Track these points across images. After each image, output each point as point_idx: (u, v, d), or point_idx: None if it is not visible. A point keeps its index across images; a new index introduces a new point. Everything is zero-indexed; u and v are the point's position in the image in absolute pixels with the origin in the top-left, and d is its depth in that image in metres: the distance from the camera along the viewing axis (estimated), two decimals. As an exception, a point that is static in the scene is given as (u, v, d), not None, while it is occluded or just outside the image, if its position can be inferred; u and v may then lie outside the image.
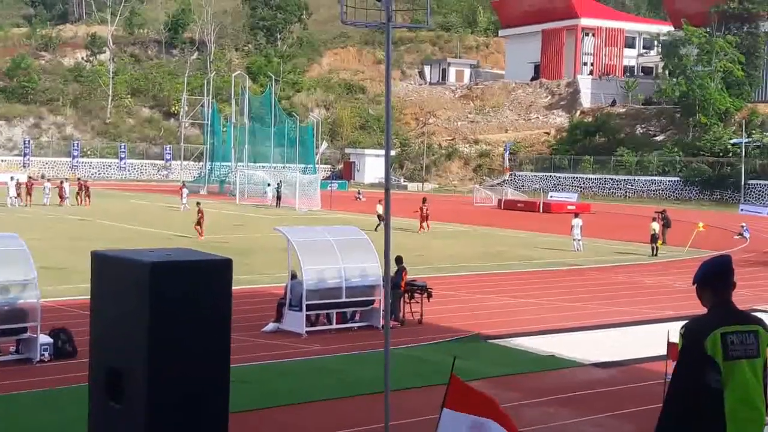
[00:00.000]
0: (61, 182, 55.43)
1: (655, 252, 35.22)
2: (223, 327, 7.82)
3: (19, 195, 52.25)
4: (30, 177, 59.95)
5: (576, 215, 36.74)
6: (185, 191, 53.65)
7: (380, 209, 43.77)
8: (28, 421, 12.27)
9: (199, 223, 37.22)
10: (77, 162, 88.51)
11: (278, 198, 58.23)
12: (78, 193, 54.65)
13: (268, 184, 62.30)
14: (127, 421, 7.54)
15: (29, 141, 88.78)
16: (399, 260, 19.92)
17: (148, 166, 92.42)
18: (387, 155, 9.81)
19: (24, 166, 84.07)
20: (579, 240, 35.35)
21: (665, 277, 29.41)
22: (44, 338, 15.67)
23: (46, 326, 16.05)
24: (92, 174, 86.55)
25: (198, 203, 39.30)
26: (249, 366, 15.45)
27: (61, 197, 52.49)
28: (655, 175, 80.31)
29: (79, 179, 61.67)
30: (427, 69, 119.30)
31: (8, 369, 15.04)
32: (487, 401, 8.16)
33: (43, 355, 15.51)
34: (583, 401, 13.99)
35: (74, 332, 15.91)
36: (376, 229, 40.76)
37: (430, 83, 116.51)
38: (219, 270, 7.90)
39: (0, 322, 15.20)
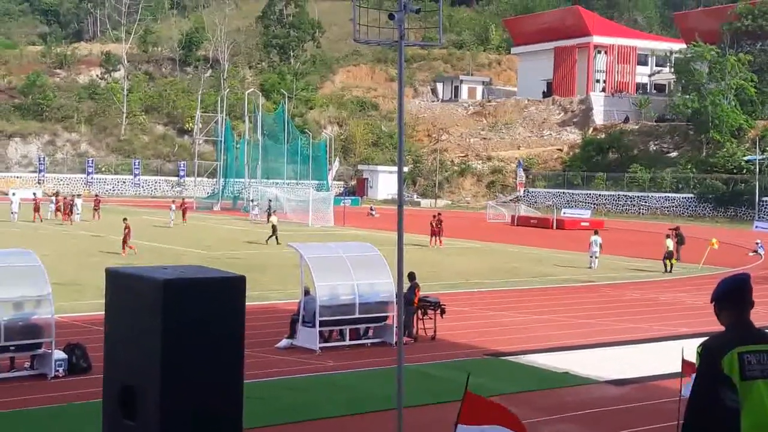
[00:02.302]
0: (72, 198, 55.80)
1: (669, 269, 35.05)
2: (237, 344, 7.82)
3: (59, 210, 53.27)
4: (34, 194, 60.24)
5: (595, 232, 36.54)
6: (173, 206, 53.91)
7: (275, 220, 44.11)
8: (43, 436, 12.29)
9: (125, 239, 35.74)
10: (92, 178, 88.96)
11: (269, 215, 58.41)
12: (95, 209, 55.14)
13: (251, 200, 63.03)
14: (140, 438, 7.54)
15: (44, 158, 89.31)
16: (412, 276, 19.91)
17: (162, 182, 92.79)
18: (400, 171, 9.83)
19: (39, 183, 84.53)
20: (597, 258, 35.15)
21: (679, 293, 29.27)
22: (59, 354, 15.71)
23: (61, 342, 16.09)
24: (107, 190, 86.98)
25: (125, 219, 38.44)
26: (262, 382, 15.44)
27: (68, 213, 52.60)
28: (669, 191, 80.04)
29: (96, 195, 62.10)
30: (439, 86, 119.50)
31: (23, 384, 15.08)
32: (503, 412, 8.12)
33: (58, 370, 15.54)
34: (597, 419, 13.91)
35: (89, 348, 15.95)
36: (267, 241, 41.31)
37: (443, 100, 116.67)
38: (232, 287, 7.90)
39: (14, 337, 15.26)
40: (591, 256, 35.34)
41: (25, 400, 14.03)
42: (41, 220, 51.91)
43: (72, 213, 52.51)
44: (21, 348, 15.45)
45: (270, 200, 61.40)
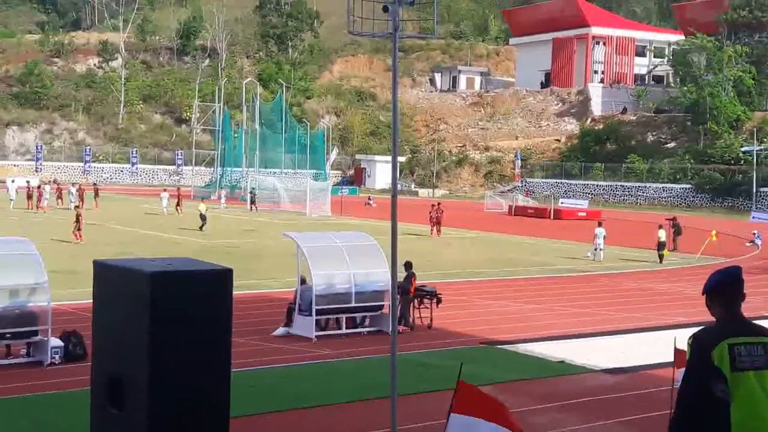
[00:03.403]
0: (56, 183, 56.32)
1: (661, 260, 35.08)
2: (224, 336, 7.85)
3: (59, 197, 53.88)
4: (27, 182, 60.47)
5: (599, 224, 36.44)
6: (165, 194, 53.94)
7: (203, 208, 44.03)
8: (39, 423, 12.32)
9: (78, 226, 35.43)
10: (89, 167, 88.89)
11: (252, 202, 59.29)
12: (95, 197, 55.33)
13: (222, 188, 63.81)
14: (128, 428, 7.56)
15: (41, 146, 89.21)
16: (408, 266, 19.93)
17: (160, 171, 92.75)
18: (394, 161, 9.83)
19: (36, 171, 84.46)
20: (602, 249, 35.06)
21: (676, 284, 29.31)
22: (55, 341, 15.73)
23: (57, 329, 16.10)
24: (104, 179, 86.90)
25: (76, 206, 38.08)
26: (258, 370, 15.49)
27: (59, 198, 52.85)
28: (666, 182, 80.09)
29: (95, 184, 62.23)
30: (437, 76, 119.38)
31: (19, 371, 15.10)
32: (495, 405, 8.15)
33: (54, 357, 15.56)
34: (592, 407, 13.95)
35: (85, 336, 15.93)
36: (200, 229, 41.59)
37: (441, 90, 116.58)
38: (219, 280, 7.93)
39: (11, 325, 15.29)
40: (596, 249, 35.10)
41: (22, 387, 14.05)
42: (36, 209, 51.92)
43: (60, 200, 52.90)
44: (17, 335, 15.48)
45: (253, 188, 61.88)
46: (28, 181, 60.41)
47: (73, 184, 58.09)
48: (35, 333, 15.63)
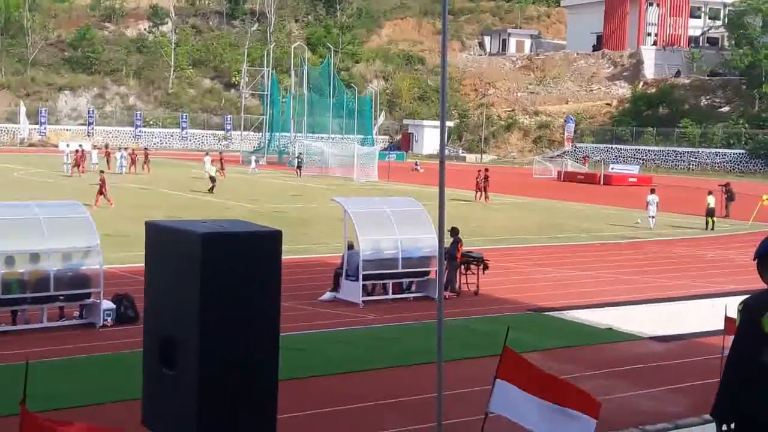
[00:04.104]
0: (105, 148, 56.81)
1: (711, 226, 34.58)
2: (273, 299, 7.92)
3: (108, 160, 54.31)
4: (80, 145, 61.26)
5: (652, 191, 35.99)
6: (207, 158, 54.09)
7: (212, 171, 43.99)
8: (92, 384, 12.61)
9: (100, 191, 35.30)
10: (140, 132, 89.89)
11: (299, 168, 59.29)
12: (145, 162, 55.95)
13: (251, 153, 63.97)
14: (179, 387, 7.70)
15: (93, 110, 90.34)
16: (455, 231, 19.92)
17: (209, 136, 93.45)
18: (442, 125, 9.79)
19: (88, 135, 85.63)
20: (654, 217, 34.61)
21: (727, 251, 28.94)
22: (107, 304, 16.05)
23: (109, 292, 16.41)
24: (154, 144, 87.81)
25: (101, 171, 38.14)
26: (305, 334, 15.65)
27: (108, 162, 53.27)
28: (720, 147, 78.71)
29: (146, 148, 62.99)
30: (486, 39, 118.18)
31: (72, 333, 15.45)
32: (539, 375, 8.15)
33: (106, 320, 15.88)
34: (640, 375, 13.90)
35: (136, 298, 16.22)
36: (210, 191, 41.92)
37: (490, 54, 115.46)
38: (269, 242, 7.98)
39: (64, 287, 15.61)
40: (650, 216, 34.58)
41: (74, 349, 14.38)
42: (81, 171, 52.29)
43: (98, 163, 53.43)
44: (70, 298, 15.80)
45: (300, 153, 61.95)
46: (80, 145, 61.35)
47: (124, 149, 58.82)
48: (88, 296, 15.95)
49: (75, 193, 36.03)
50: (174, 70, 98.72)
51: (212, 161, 52.61)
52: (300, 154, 62.85)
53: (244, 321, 7.72)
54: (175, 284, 7.81)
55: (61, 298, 15.71)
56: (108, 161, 55.85)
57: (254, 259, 7.77)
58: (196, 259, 7.49)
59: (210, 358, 7.52)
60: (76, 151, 55.11)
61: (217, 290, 7.56)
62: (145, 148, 63.47)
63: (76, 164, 52.24)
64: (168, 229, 8.19)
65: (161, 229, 8.26)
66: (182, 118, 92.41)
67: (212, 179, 43.59)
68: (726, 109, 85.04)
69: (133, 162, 55.35)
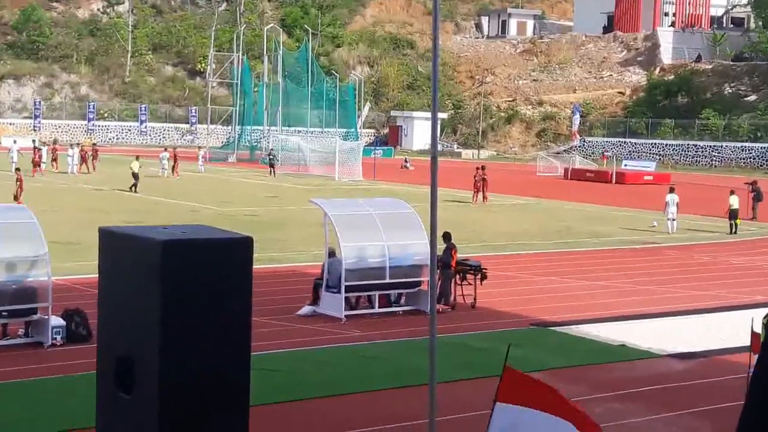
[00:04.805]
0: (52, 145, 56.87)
1: (734, 230, 34.73)
2: (243, 313, 7.92)
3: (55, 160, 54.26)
4: (33, 141, 61.23)
5: (671, 190, 36.09)
6: (165, 155, 54.81)
7: (135, 167, 44.49)
8: (38, 409, 12.56)
9: (16, 194, 35.74)
10: (93, 125, 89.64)
11: (272, 166, 59.00)
12: (93, 159, 55.77)
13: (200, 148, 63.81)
14: (137, 414, 7.68)
15: (40, 102, 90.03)
16: (447, 237, 19.95)
17: (172, 129, 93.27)
18: (434, 117, 9.82)
19: (34, 130, 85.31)
20: (674, 219, 34.69)
21: (754, 257, 29.09)
22: (56, 320, 15.99)
23: (59, 307, 16.35)
24: (110, 139, 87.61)
25: (17, 170, 38.11)
26: (281, 353, 15.65)
27: (36, 164, 53.09)
28: (746, 141, 79.09)
29: (94, 144, 62.85)
30: (484, 21, 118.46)
31: (17, 353, 15.38)
32: (545, 390, 8.17)
33: (55, 338, 15.82)
34: (657, 397, 13.95)
35: (89, 314, 16.17)
36: (131, 189, 42.84)
37: (488, 37, 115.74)
38: (238, 249, 7.98)
39: (8, 302, 15.54)
40: (669, 219, 34.61)
41: (19, 371, 14.32)
42: (42, 174, 52.51)
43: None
44: (14, 313, 15.74)
45: (272, 149, 61.86)
46: (34, 141, 61.26)
47: (74, 146, 58.63)
48: (34, 311, 15.88)
49: (26, 195, 35.93)
50: (131, 56, 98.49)
51: (169, 158, 52.73)
52: (272, 150, 62.67)
53: (210, 339, 7.72)
54: (133, 298, 7.80)
55: (4, 314, 15.65)
56: (55, 159, 55.58)
57: (221, 270, 7.78)
58: (156, 270, 7.49)
59: (171, 381, 7.51)
60: (34, 149, 55.12)
61: (179, 304, 7.55)
62: (94, 144, 63.31)
63: (36, 164, 52.32)
64: (125, 235, 8.19)
65: (117, 235, 8.25)
66: (141, 110, 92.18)
67: (135, 176, 43.97)
68: (753, 97, 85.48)
69: (84, 160, 55.23)
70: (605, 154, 72.93)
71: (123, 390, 7.79)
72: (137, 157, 46.71)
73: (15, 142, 58.63)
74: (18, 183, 36.39)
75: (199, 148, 63.55)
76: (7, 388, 13.55)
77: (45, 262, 16.00)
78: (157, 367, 7.47)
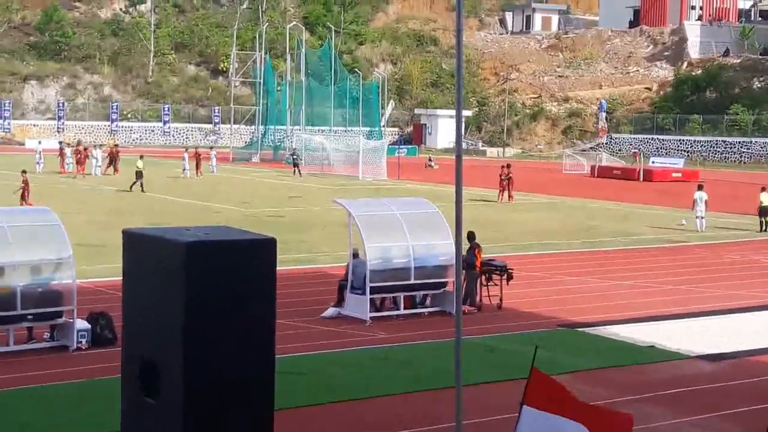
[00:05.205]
0: (84, 147, 57.00)
1: (764, 227, 34.50)
2: (267, 315, 7.94)
3: (79, 162, 54.28)
4: (60, 143, 61.58)
5: (699, 187, 35.85)
6: (186, 155, 54.95)
7: (140, 164, 44.68)
8: (64, 414, 12.65)
9: (23, 195, 35.43)
10: (116, 126, 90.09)
11: (296, 165, 58.66)
12: (115, 161, 56.06)
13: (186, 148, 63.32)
14: (162, 418, 7.70)
15: (63, 103, 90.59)
16: (471, 236, 19.91)
17: (195, 130, 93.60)
18: (459, 115, 9.81)
19: (58, 131, 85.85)
20: (703, 217, 34.46)
21: (785, 255, 28.88)
22: (81, 323, 16.06)
23: (84, 310, 16.43)
24: (133, 140, 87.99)
25: (23, 171, 38.04)
26: (306, 356, 15.67)
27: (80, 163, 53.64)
28: (776, 136, 78.52)
29: (116, 145, 63.15)
30: (508, 16, 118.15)
31: (42, 357, 15.48)
32: (570, 398, 8.16)
33: (80, 342, 15.90)
34: (687, 399, 13.88)
35: (114, 317, 16.26)
36: (131, 188, 43.13)
37: (513, 32, 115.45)
38: (262, 250, 8.00)
39: (33, 305, 15.61)
40: (698, 217, 34.38)
41: (45, 375, 14.41)
42: (63, 172, 53.22)
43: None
44: (39, 317, 15.81)
45: (295, 149, 61.81)
46: (60, 142, 61.65)
47: (97, 147, 58.96)
48: (59, 314, 15.96)
49: (51, 198, 36.17)
50: (154, 56, 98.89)
51: (189, 158, 53.01)
52: (295, 149, 62.59)
53: (234, 342, 7.74)
54: (157, 301, 7.83)
55: (30, 317, 15.73)
56: (79, 161, 55.85)
57: (245, 271, 7.80)
58: (181, 272, 7.52)
59: (196, 385, 7.54)
60: (77, 150, 55.39)
61: (203, 307, 7.58)
62: (115, 145, 63.59)
63: (79, 162, 53.07)
64: (148, 237, 8.24)
65: (141, 237, 8.30)
66: (164, 111, 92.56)
67: (138, 174, 44.11)
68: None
69: (111, 162, 55.54)
70: (637, 152, 72.42)
71: (148, 394, 7.83)
72: (141, 156, 47.10)
73: (40, 143, 59.10)
74: (24, 185, 35.78)
75: (211, 148, 63.26)
76: (33, 392, 13.65)
77: (70, 265, 16.08)
78: (182, 371, 7.51)
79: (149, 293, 7.99)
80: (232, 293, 7.74)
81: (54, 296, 16.04)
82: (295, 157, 60.52)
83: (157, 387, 7.76)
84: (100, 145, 62.47)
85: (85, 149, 56.22)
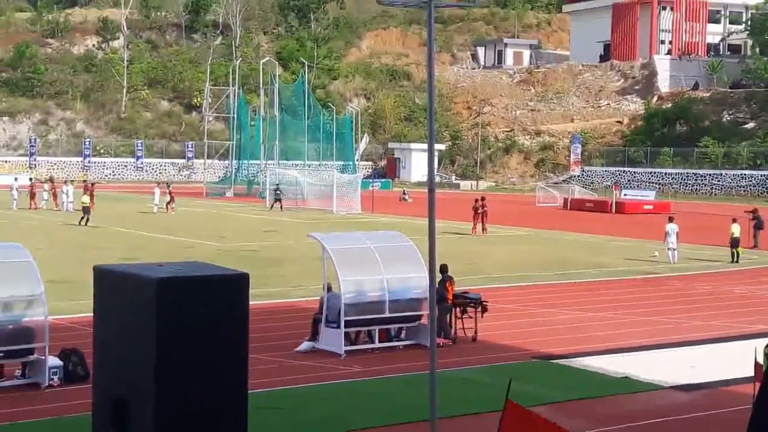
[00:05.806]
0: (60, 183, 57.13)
1: (735, 258, 34.76)
2: (240, 350, 7.92)
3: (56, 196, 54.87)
4: (32, 179, 61.34)
5: (671, 219, 36.12)
6: (157, 190, 54.88)
7: (86, 199, 45.56)
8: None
9: None
10: (89, 162, 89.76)
11: (278, 200, 58.76)
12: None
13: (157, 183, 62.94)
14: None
15: (35, 139, 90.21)
16: (444, 269, 19.88)
17: (168, 165, 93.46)
18: (431, 149, 9.86)
19: (30, 167, 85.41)
20: (675, 249, 34.66)
21: (756, 286, 29.07)
22: (53, 360, 15.91)
23: (56, 347, 16.28)
24: (106, 175, 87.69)
25: None
26: (280, 390, 15.59)
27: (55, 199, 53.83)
28: (745, 168, 79.29)
29: (85, 181, 62.90)
30: (480, 51, 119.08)
31: (14, 395, 15.30)
32: (547, 428, 8.15)
33: (53, 379, 15.75)
34: (663, 430, 13.90)
35: (87, 353, 16.11)
36: (79, 223, 43.67)
37: (485, 67, 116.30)
38: (234, 286, 7.99)
39: (4, 342, 15.46)
40: (669, 248, 34.58)
41: (16, 413, 14.24)
42: (36, 208, 53.02)
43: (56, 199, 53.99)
44: (10, 354, 15.65)
45: (278, 184, 61.86)
46: (30, 179, 61.51)
47: (68, 183, 58.71)
48: (31, 351, 15.81)
49: (21, 234, 35.94)
50: (127, 92, 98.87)
51: (161, 194, 52.85)
52: (278, 185, 62.36)
53: (206, 378, 7.71)
54: (129, 337, 7.80)
55: (0, 354, 15.58)
56: (55, 196, 55.76)
57: (217, 307, 7.78)
58: (152, 308, 7.50)
59: (168, 422, 7.49)
60: (31, 184, 55.72)
61: (175, 343, 7.55)
62: (84, 181, 63.39)
63: (31, 197, 53.26)
64: (119, 274, 8.21)
65: (112, 274, 8.27)
66: (137, 146, 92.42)
67: (85, 210, 44.55)
68: (751, 125, 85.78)
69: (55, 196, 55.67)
70: (617, 184, 72.72)
71: (119, 430, 7.77)
72: (87, 192, 47.52)
73: (16, 179, 58.81)
74: None
75: (158, 183, 61.89)
76: (5, 430, 13.48)
77: (41, 302, 15.95)
78: (153, 407, 7.46)
79: (120, 330, 7.95)
80: (204, 329, 7.71)
81: (25, 333, 15.89)
82: (278, 192, 60.41)
83: (127, 424, 7.70)
84: (70, 181, 62.17)
85: (53, 183, 56.62)
